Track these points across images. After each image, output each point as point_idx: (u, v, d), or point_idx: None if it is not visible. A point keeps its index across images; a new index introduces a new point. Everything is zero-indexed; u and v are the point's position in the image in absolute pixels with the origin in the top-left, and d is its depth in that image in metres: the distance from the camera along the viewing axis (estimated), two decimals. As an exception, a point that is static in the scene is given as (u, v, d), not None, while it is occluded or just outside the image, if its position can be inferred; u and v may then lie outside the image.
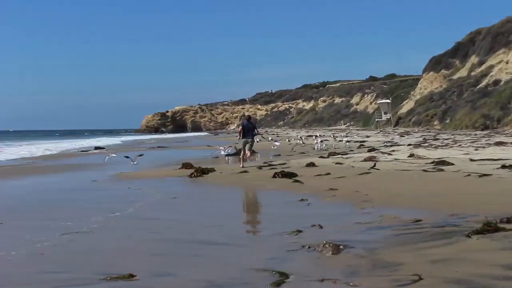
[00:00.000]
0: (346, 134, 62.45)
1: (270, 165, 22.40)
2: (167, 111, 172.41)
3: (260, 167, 21.60)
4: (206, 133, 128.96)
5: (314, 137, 46.38)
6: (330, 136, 48.79)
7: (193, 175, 19.48)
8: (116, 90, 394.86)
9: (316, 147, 34.80)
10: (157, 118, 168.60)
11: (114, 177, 20.80)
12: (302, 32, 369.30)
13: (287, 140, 44.85)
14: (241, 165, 22.31)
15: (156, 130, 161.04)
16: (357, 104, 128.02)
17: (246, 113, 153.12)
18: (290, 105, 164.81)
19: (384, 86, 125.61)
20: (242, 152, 23.47)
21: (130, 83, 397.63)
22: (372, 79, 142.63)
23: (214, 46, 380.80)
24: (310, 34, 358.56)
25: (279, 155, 31.03)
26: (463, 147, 26.84)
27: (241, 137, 23.74)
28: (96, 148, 48.71)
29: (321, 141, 38.21)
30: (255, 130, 24.36)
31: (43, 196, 16.02)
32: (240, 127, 24.12)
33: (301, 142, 42.18)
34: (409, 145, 30.77)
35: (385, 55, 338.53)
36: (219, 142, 53.29)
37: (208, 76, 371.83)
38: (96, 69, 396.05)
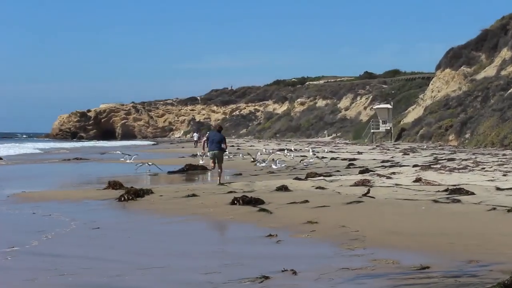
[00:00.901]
0: (331, 149, 62.75)
1: (227, 187, 22.49)
2: (89, 110, 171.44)
3: (213, 191, 21.62)
4: (145, 142, 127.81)
5: (286, 151, 46.45)
6: (308, 150, 48.90)
7: (123, 198, 19.40)
8: (17, 79, 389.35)
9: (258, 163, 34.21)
10: (75, 120, 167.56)
11: (14, 197, 20.61)
12: (274, 10, 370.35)
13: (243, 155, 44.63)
14: (218, 182, 24.76)
15: (73, 135, 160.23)
16: (346, 109, 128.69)
17: (197, 116, 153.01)
18: (256, 107, 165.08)
19: (384, 86, 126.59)
20: (212, 165, 26.48)
21: (36, 71, 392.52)
22: (368, 76, 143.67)
23: (156, 25, 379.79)
24: (285, 14, 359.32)
25: (240, 174, 31.06)
26: (487, 171, 27.13)
27: (204, 150, 27.24)
28: (-11, 157, 48.20)
29: (294, 157, 38.07)
30: (223, 143, 26.39)
31: None
32: (205, 138, 27.20)
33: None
34: (415, 166, 30.98)
35: (387, 44, 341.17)
36: (160, 155, 52.87)
37: (146, 64, 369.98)
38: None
